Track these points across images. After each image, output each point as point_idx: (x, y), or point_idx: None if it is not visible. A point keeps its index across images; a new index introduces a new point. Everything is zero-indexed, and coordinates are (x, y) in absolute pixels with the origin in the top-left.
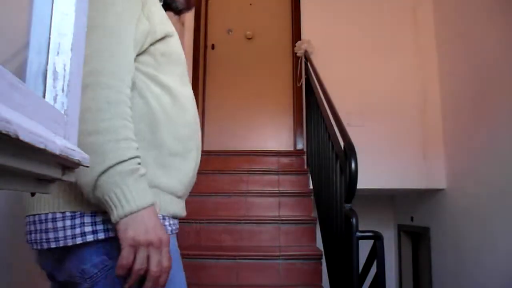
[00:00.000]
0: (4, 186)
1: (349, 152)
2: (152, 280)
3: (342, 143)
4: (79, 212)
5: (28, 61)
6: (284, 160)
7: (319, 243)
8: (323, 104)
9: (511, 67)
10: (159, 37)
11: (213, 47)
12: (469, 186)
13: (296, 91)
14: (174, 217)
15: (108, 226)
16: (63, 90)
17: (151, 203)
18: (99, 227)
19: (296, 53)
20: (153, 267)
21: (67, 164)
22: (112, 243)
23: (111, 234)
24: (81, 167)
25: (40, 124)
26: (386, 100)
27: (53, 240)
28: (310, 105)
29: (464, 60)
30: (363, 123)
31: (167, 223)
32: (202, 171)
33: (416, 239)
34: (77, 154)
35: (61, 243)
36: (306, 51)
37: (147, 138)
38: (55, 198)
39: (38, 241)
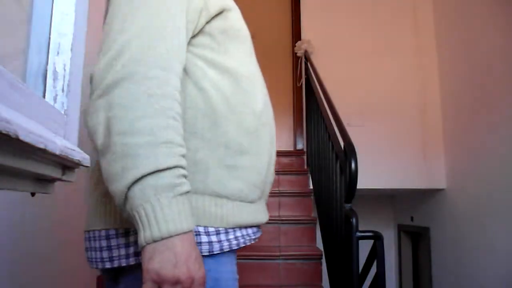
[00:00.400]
0: (4, 186)
1: (349, 152)
2: None
3: (342, 143)
4: (132, 229)
5: (28, 61)
6: (284, 160)
7: (319, 243)
8: (323, 104)
9: (511, 67)
10: (215, 12)
11: None
12: (469, 186)
13: (296, 91)
14: (247, 226)
15: None
16: (63, 90)
17: (187, 229)
18: None
19: (296, 53)
20: None
21: (67, 164)
22: None
23: None
24: (112, 174)
25: (40, 124)
26: (386, 100)
27: (107, 260)
28: (310, 105)
29: (464, 60)
30: (363, 123)
31: (231, 237)
32: None
33: (416, 239)
34: (77, 154)
35: (116, 264)
36: (306, 51)
37: (207, 136)
38: (110, 213)
39: (94, 260)
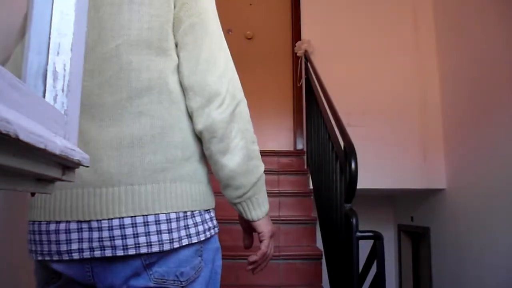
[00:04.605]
0: (4, 186)
1: (349, 152)
2: None
3: (342, 143)
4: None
5: (28, 61)
6: (284, 160)
7: (319, 243)
8: (323, 104)
9: (511, 67)
10: None
11: None
12: (469, 186)
13: (296, 91)
14: None
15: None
16: (63, 90)
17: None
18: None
19: (296, 53)
20: None
21: (67, 164)
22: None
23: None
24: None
25: (40, 124)
26: (386, 100)
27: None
28: (310, 105)
29: (464, 60)
30: (363, 123)
31: None
32: None
33: (416, 239)
34: (77, 154)
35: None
36: (306, 51)
37: None
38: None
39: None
